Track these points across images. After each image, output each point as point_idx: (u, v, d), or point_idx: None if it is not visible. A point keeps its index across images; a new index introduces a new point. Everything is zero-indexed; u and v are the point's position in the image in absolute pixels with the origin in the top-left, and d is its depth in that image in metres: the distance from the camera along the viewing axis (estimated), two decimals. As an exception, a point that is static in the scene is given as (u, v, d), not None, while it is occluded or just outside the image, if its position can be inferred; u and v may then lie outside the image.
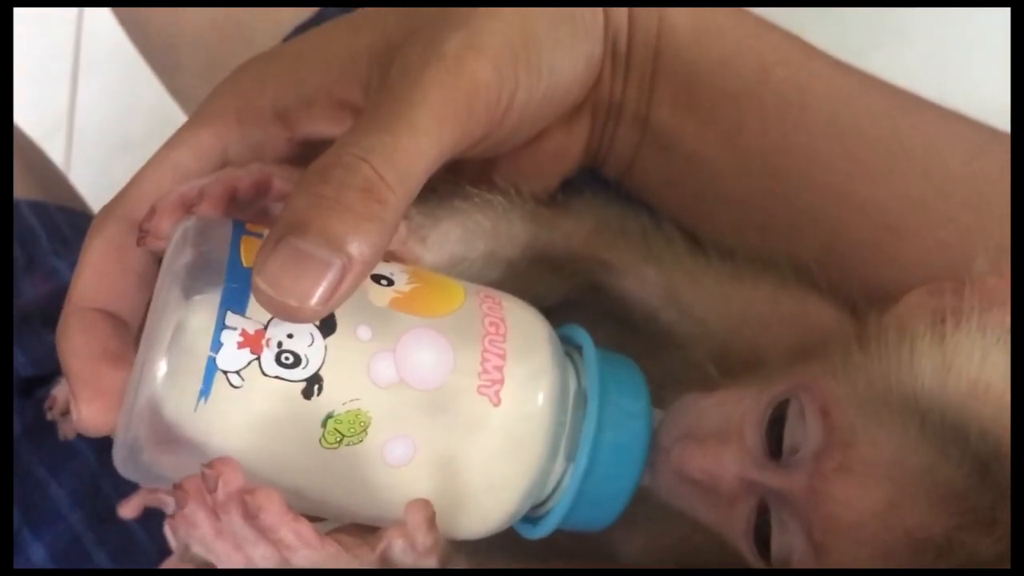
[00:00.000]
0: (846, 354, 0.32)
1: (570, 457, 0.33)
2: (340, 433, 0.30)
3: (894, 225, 0.37)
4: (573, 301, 0.43)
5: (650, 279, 0.41)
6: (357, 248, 0.28)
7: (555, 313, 0.43)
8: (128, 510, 0.46)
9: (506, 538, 0.34)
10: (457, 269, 0.37)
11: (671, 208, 0.42)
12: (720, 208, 0.41)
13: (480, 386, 0.31)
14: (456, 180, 0.38)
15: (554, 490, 0.34)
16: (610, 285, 0.41)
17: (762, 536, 0.32)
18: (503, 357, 0.31)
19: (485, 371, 0.31)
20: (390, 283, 0.32)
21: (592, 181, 0.44)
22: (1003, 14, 0.51)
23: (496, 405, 0.31)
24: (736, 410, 0.33)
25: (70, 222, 0.55)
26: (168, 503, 0.41)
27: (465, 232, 0.37)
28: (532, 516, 0.34)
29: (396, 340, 0.30)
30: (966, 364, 0.30)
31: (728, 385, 0.35)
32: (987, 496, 0.28)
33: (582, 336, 0.35)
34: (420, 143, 0.30)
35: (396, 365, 0.30)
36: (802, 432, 0.31)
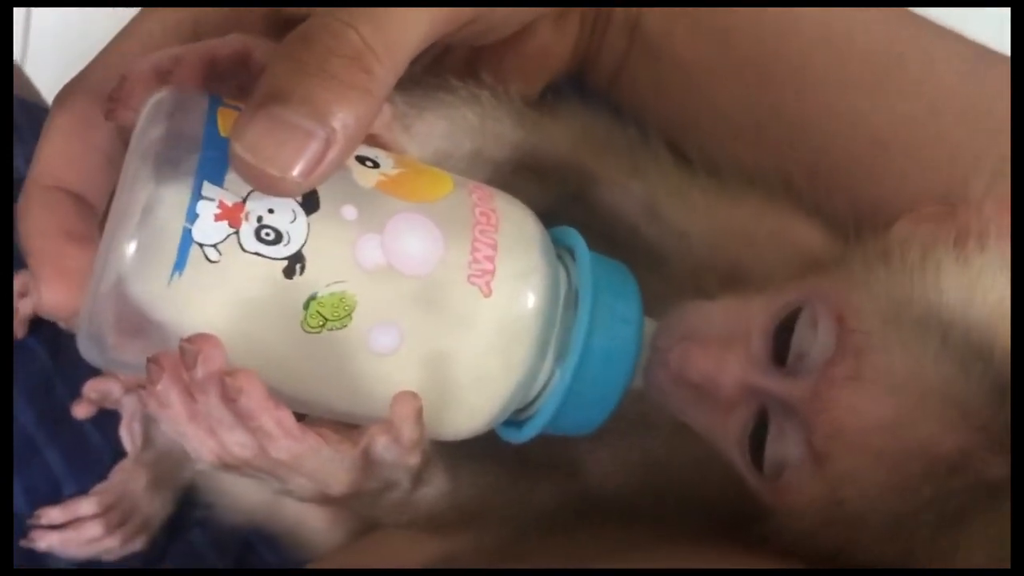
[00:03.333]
0: (866, 268, 0.31)
1: (559, 358, 0.32)
2: (323, 316, 0.28)
3: (883, 140, 0.36)
4: (556, 212, 0.42)
5: (634, 192, 0.40)
6: (342, 119, 0.27)
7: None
8: (81, 411, 0.44)
9: (475, 446, 0.33)
10: (441, 166, 0.35)
11: (659, 119, 0.41)
12: (708, 119, 0.40)
13: (471, 275, 0.30)
14: (441, 73, 0.37)
15: (540, 393, 0.33)
16: (594, 197, 0.40)
17: (757, 444, 0.31)
18: (494, 248, 0.30)
19: (475, 260, 0.30)
20: (376, 165, 0.30)
21: (579, 91, 0.42)
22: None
23: (487, 296, 0.30)
24: (742, 316, 0.32)
25: (26, 112, 0.52)
26: (116, 392, 0.40)
27: (452, 126, 0.36)
28: (515, 420, 0.33)
29: (383, 223, 0.29)
30: (992, 285, 0.29)
31: (729, 295, 0.34)
32: (1004, 417, 0.28)
33: (574, 238, 0.34)
34: (410, 13, 0.29)
35: (384, 249, 0.29)
36: (812, 340, 0.30)
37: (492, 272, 0.30)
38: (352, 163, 0.30)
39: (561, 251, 0.34)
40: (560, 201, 0.41)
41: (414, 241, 0.29)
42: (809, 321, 0.30)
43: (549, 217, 0.42)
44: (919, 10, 0.39)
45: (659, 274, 0.39)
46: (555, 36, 0.39)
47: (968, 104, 0.37)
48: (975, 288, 0.29)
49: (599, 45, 0.40)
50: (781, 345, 0.31)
